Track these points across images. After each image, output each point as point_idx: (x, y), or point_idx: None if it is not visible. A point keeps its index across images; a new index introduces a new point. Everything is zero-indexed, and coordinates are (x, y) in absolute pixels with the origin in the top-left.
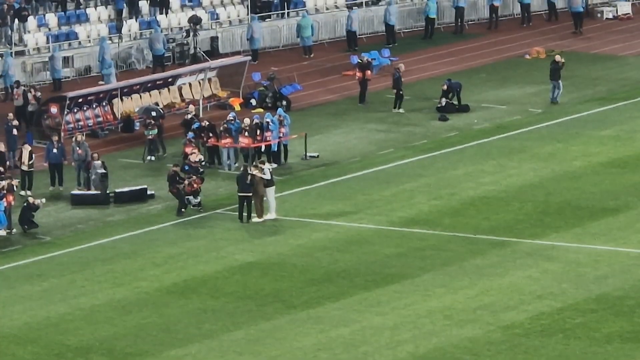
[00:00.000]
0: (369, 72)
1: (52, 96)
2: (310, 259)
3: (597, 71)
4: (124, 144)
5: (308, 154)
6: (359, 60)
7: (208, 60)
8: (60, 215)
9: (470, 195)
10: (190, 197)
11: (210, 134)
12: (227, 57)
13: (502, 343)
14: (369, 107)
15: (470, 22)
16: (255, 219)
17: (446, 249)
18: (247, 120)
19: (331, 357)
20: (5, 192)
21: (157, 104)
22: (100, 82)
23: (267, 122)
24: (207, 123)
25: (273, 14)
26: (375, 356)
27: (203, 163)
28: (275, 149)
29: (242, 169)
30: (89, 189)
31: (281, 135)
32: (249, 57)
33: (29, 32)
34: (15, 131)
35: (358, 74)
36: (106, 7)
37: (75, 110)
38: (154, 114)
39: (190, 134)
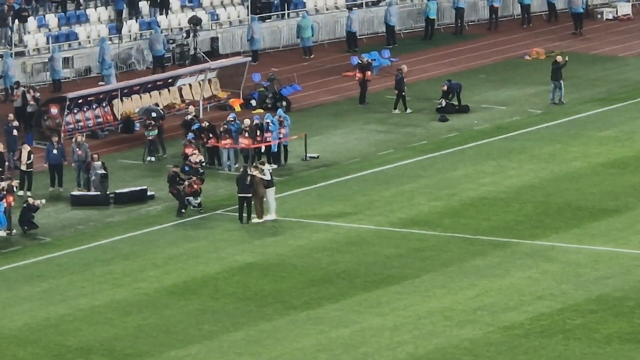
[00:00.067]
0: (369, 72)
1: (52, 97)
2: (310, 260)
3: (597, 72)
4: (124, 144)
5: (308, 155)
6: (359, 61)
7: (208, 61)
8: (60, 216)
9: (470, 196)
10: (190, 198)
11: (210, 135)
12: (227, 57)
13: (502, 344)
14: (369, 108)
15: (470, 23)
16: (255, 220)
17: (446, 250)
18: (247, 121)
19: (331, 357)
20: (5, 193)
21: (157, 104)
22: (100, 83)
23: (267, 123)
24: (207, 124)
25: (273, 15)
26: (375, 357)
27: (203, 164)
28: (275, 150)
29: (242, 169)
30: (88, 190)
31: (281, 136)
32: (249, 58)
33: (29, 32)
34: (15, 132)
35: (358, 75)
36: (106, 8)
37: (75, 111)
38: (154, 114)
39: (190, 135)
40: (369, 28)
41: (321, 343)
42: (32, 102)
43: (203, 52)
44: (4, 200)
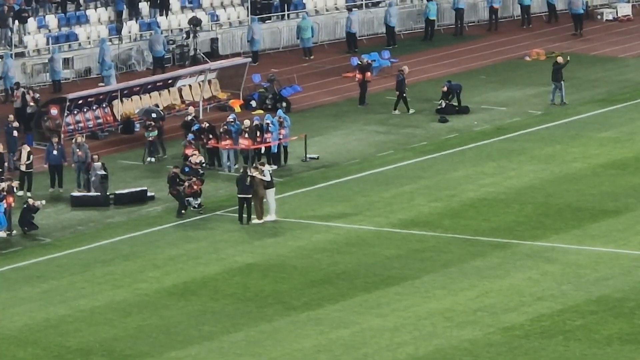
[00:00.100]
0: (368, 73)
1: (52, 98)
2: (310, 261)
3: (596, 73)
4: (124, 145)
5: (308, 156)
6: (359, 62)
7: (208, 62)
8: (60, 216)
9: (470, 197)
10: (190, 199)
11: (210, 136)
12: (227, 58)
13: (502, 345)
14: (369, 109)
15: (470, 24)
16: (255, 221)
17: (446, 251)
18: (247, 122)
19: (331, 358)
20: (5, 193)
21: (157, 105)
22: (100, 84)
23: (267, 124)
24: (207, 125)
25: (273, 16)
26: (375, 358)
27: (203, 165)
28: (275, 151)
29: (242, 170)
30: (88, 191)
31: (281, 136)
32: (249, 59)
33: (29, 33)
34: (15, 133)
35: (358, 76)
36: (106, 9)
37: (75, 112)
38: (154, 115)
39: (190, 136)
40: (369, 29)
41: (321, 344)
42: (32, 103)
43: (203, 53)
44: (4, 201)
